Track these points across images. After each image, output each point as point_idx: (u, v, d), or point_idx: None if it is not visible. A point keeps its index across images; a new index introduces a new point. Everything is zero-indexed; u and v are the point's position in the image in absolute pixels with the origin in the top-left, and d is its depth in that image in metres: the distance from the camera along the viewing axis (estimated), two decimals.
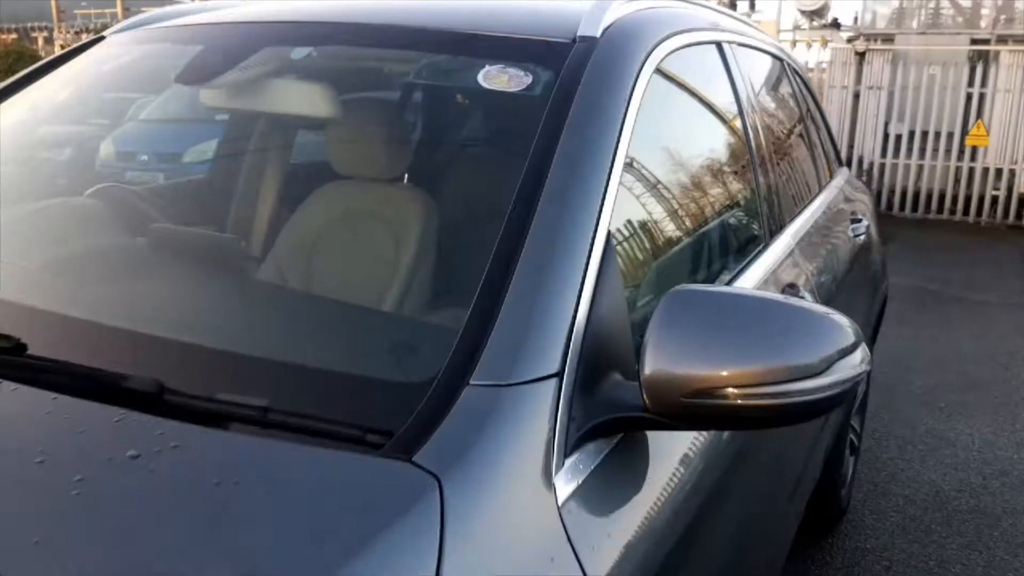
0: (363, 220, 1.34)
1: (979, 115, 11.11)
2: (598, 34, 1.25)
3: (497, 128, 1.34)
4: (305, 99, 1.40)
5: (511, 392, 0.83)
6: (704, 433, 1.10)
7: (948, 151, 10.91)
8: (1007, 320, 5.49)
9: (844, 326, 0.95)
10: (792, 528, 1.93)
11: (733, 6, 21.39)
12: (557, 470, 0.81)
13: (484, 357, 0.84)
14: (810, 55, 14.91)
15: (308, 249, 1.28)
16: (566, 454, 0.84)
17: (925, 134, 11.07)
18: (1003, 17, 12.05)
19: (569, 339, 0.89)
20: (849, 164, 11.16)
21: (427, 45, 1.40)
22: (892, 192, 10.97)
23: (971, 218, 10.28)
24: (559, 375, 0.86)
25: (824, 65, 12.94)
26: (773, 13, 19.94)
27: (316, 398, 0.88)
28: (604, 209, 1.03)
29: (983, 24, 12.20)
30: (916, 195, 10.84)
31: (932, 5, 12.64)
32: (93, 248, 1.37)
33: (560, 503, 0.80)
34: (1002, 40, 12.05)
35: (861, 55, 12.14)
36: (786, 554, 1.97)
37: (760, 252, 1.63)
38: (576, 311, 0.91)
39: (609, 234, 1.03)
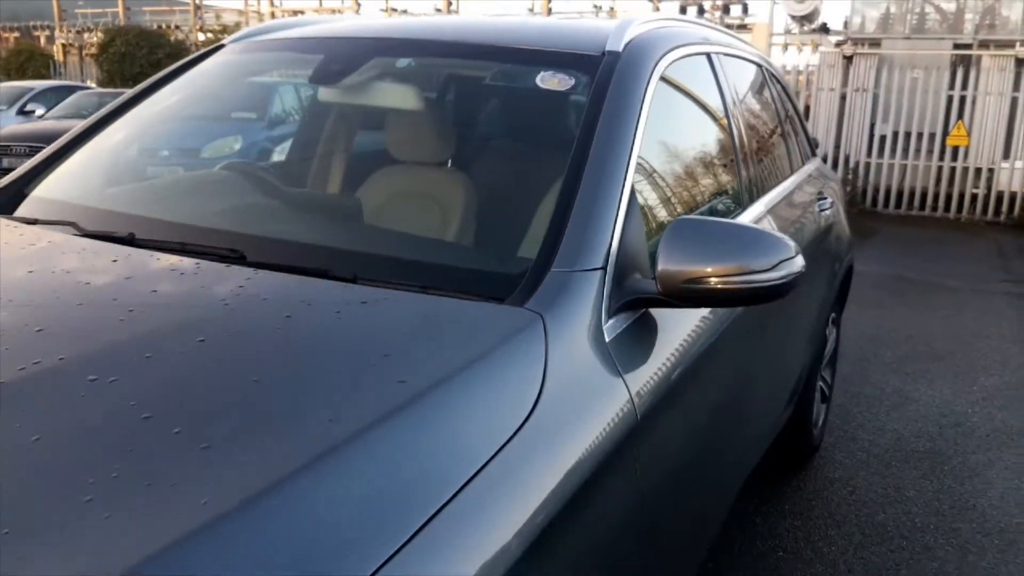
0: (460, 173, 1.83)
1: (960, 117, 11.62)
2: (620, 49, 1.74)
3: (553, 115, 1.82)
4: (406, 98, 1.89)
5: (575, 275, 1.32)
6: (687, 322, 1.58)
7: (931, 151, 11.39)
8: (977, 305, 5.99)
9: (789, 244, 1.43)
10: (759, 430, 2.36)
11: (727, 10, 21.96)
12: (605, 323, 1.30)
13: (559, 255, 1.33)
14: (800, 58, 15.41)
15: (416, 200, 1.76)
16: (608, 317, 1.32)
17: (909, 135, 11.56)
18: (986, 23, 12.59)
19: (609, 249, 1.37)
20: (836, 163, 11.64)
21: (496, 56, 1.89)
22: (877, 190, 11.46)
23: (951, 214, 10.77)
24: (603, 269, 1.34)
25: (812, 68, 13.45)
26: (766, 16, 20.49)
27: (452, 283, 1.36)
28: (629, 171, 1.50)
29: (966, 30, 12.72)
30: (900, 193, 11.33)
31: (918, 11, 13.16)
32: (238, 202, 1.84)
33: (607, 340, 1.28)
34: (984, 45, 12.58)
35: (848, 59, 12.62)
36: (763, 446, 2.45)
37: (738, 215, 2.11)
38: (613, 232, 1.39)
39: (633, 188, 1.51)
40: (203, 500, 0.82)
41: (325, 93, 2.08)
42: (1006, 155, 11.21)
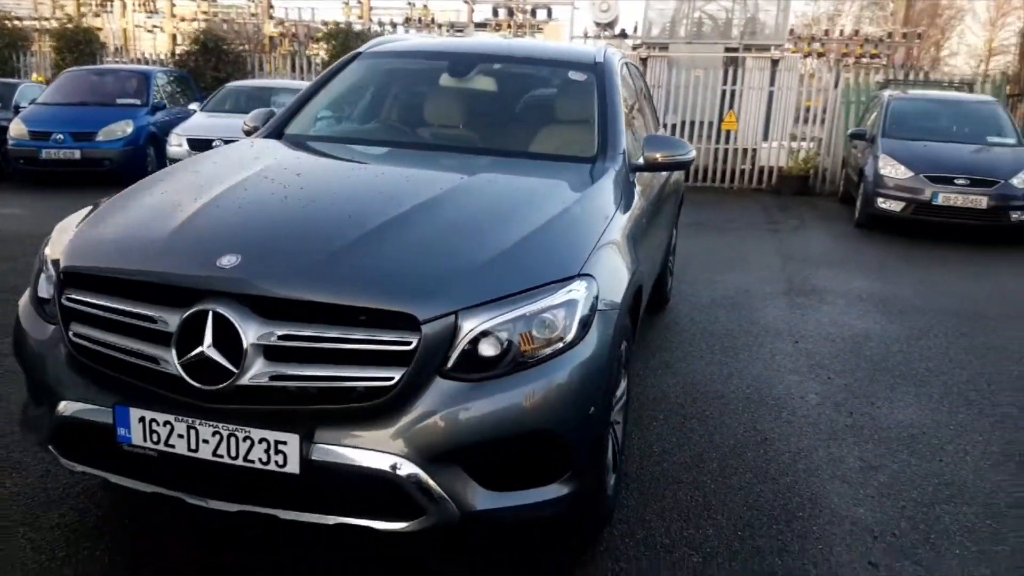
0: (540, 119, 3.51)
1: (731, 107, 14.53)
2: (603, 60, 3.54)
3: (580, 90, 3.52)
4: (490, 84, 3.61)
5: (614, 156, 3.05)
6: (648, 191, 3.43)
7: (709, 136, 14.13)
8: (751, 237, 8.42)
9: (689, 146, 3.28)
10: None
11: (533, 13, 24.47)
12: (630, 173, 3.09)
13: (608, 149, 3.06)
14: None
15: (506, 136, 3.44)
16: (629, 172, 3.10)
17: (692, 123, 14.26)
18: (748, 30, 15.70)
19: (625, 149, 3.13)
20: None
21: (545, 63, 3.66)
22: None
23: (727, 185, 13.53)
24: (624, 154, 3.08)
25: None
26: (567, 20, 23.18)
27: (576, 160, 3.07)
28: (623, 116, 3.31)
29: (734, 35, 15.76)
30: (689, 169, 14.06)
31: (696, 20, 16.06)
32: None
33: (631, 179, 3.08)
34: (748, 48, 15.68)
35: (644, 60, 15.21)
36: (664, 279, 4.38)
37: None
38: (624, 142, 3.18)
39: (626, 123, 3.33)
40: (490, 241, 2.38)
41: (443, 79, 3.70)
42: (765, 137, 14.20)
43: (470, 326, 1.97)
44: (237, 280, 1.99)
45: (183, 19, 23.16)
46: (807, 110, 15.27)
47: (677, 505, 2.77)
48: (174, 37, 23.12)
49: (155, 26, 24.64)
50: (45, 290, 2.31)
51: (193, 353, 1.94)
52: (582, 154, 3.14)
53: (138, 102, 10.58)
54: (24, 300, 2.41)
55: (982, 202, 8.44)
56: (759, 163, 13.93)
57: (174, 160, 9.81)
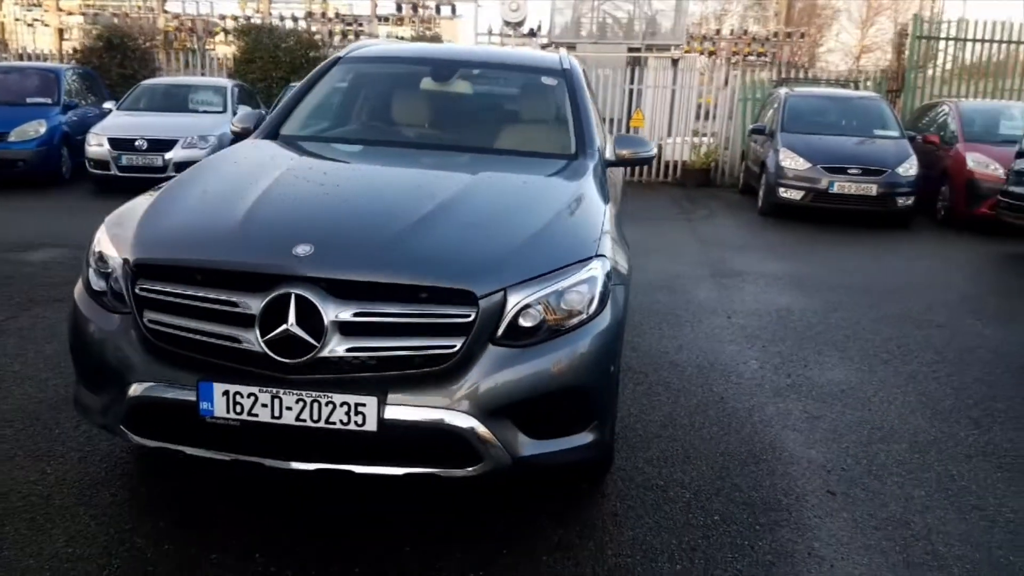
0: (502, 119, 3.88)
1: (638, 105, 15.23)
2: (569, 66, 3.92)
3: (552, 97, 3.89)
4: (469, 88, 3.93)
5: (592, 152, 3.43)
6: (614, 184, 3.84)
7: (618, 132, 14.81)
8: (668, 226, 9.04)
9: (652, 145, 3.71)
10: None
11: (438, 10, 24.66)
12: (600, 169, 3.48)
13: (585, 147, 3.44)
14: None
15: (488, 134, 3.76)
16: (602, 168, 3.49)
17: (602, 120, 14.89)
18: (649, 31, 16.48)
19: (599, 146, 3.53)
20: None
21: (520, 69, 3.99)
22: None
23: (636, 178, 14.25)
24: (600, 150, 3.50)
25: None
26: (471, 17, 23.51)
27: (555, 157, 3.45)
28: (596, 114, 3.72)
29: (636, 36, 16.52)
30: None
31: (600, 20, 16.74)
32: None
33: (602, 172, 3.47)
34: (649, 49, 16.46)
35: None
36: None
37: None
38: (599, 139, 3.58)
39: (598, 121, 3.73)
40: (519, 229, 2.73)
41: (434, 84, 3.99)
42: (669, 132, 14.97)
43: (515, 300, 2.31)
44: (316, 266, 2.26)
45: (69, 12, 22.23)
46: (702, 107, 16.09)
47: (662, 455, 3.19)
48: (60, 32, 22.25)
49: (36, 20, 23.51)
50: (96, 283, 2.51)
51: (278, 331, 2.21)
52: (563, 151, 3.52)
53: (49, 101, 10.26)
54: (80, 293, 2.59)
55: (872, 189, 9.35)
56: (664, 158, 14.66)
57: (94, 160, 9.62)
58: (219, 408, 2.25)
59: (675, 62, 15.79)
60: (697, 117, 15.67)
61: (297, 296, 2.21)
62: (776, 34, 23.16)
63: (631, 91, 15.48)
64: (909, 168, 9.49)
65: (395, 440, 2.26)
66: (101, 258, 2.53)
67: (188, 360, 2.31)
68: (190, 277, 2.33)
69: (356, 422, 2.21)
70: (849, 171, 9.42)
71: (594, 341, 2.42)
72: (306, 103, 3.83)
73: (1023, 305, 6.05)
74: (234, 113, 10.62)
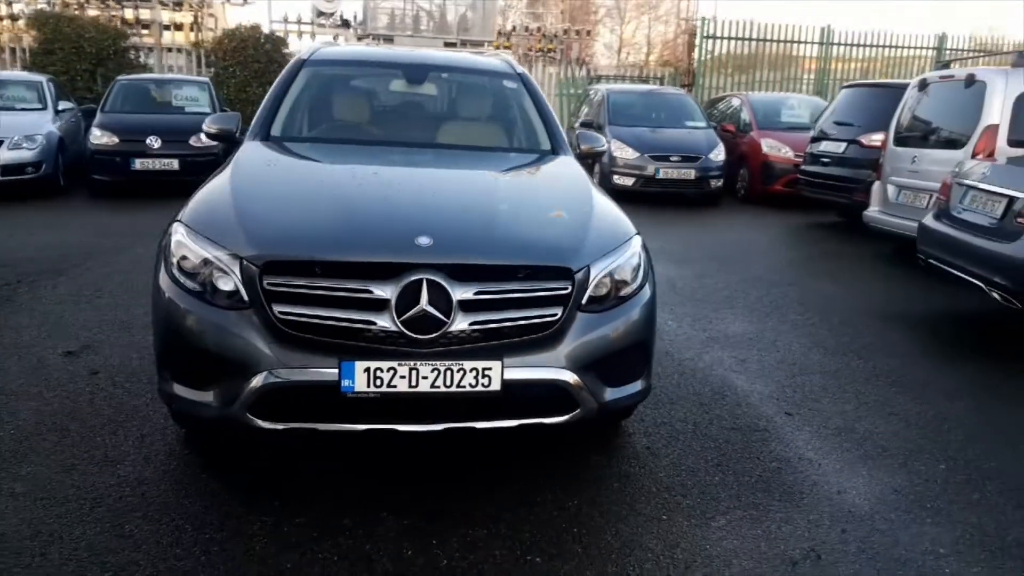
0: (478, 119, 4.25)
1: None
2: (521, 71, 4.38)
3: (516, 98, 4.32)
4: (443, 90, 4.25)
5: (568, 155, 3.90)
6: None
7: None
8: None
9: (603, 139, 4.30)
10: None
11: None
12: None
13: (561, 148, 3.93)
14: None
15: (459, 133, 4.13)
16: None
17: None
18: (462, 27, 17.11)
19: (569, 141, 4.06)
20: None
21: (479, 73, 4.36)
22: None
23: None
24: (574, 145, 4.04)
25: None
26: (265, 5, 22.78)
27: (534, 156, 3.93)
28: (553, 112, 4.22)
29: (450, 30, 17.08)
30: None
31: (413, 13, 17.09)
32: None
33: None
34: (463, 44, 17.08)
35: None
36: None
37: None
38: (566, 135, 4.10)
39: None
40: (578, 213, 3.21)
41: (394, 84, 4.23)
42: None
43: (595, 273, 2.80)
44: (439, 254, 2.60)
45: None
46: None
47: (655, 400, 3.81)
48: None
49: None
50: (190, 284, 2.67)
51: (414, 311, 2.54)
52: (540, 148, 4.02)
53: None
54: (173, 295, 2.69)
55: (691, 174, 10.65)
56: None
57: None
58: (360, 384, 2.54)
59: None
60: None
61: (428, 281, 2.55)
62: (566, 31, 24.73)
63: None
64: (718, 154, 10.90)
65: (513, 397, 2.67)
66: (199, 260, 2.67)
67: (323, 345, 2.56)
68: (316, 270, 2.57)
69: (483, 384, 2.60)
70: (671, 159, 10.65)
71: (646, 305, 2.97)
72: (286, 106, 3.99)
73: (840, 264, 7.39)
74: (56, 110, 9.84)
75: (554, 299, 2.71)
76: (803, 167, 9.68)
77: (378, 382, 2.54)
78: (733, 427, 3.57)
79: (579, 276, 2.75)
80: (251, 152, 3.58)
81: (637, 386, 3.00)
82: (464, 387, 2.59)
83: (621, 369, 2.92)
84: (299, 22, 18.38)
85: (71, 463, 2.96)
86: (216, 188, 3.11)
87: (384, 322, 2.55)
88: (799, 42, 15.24)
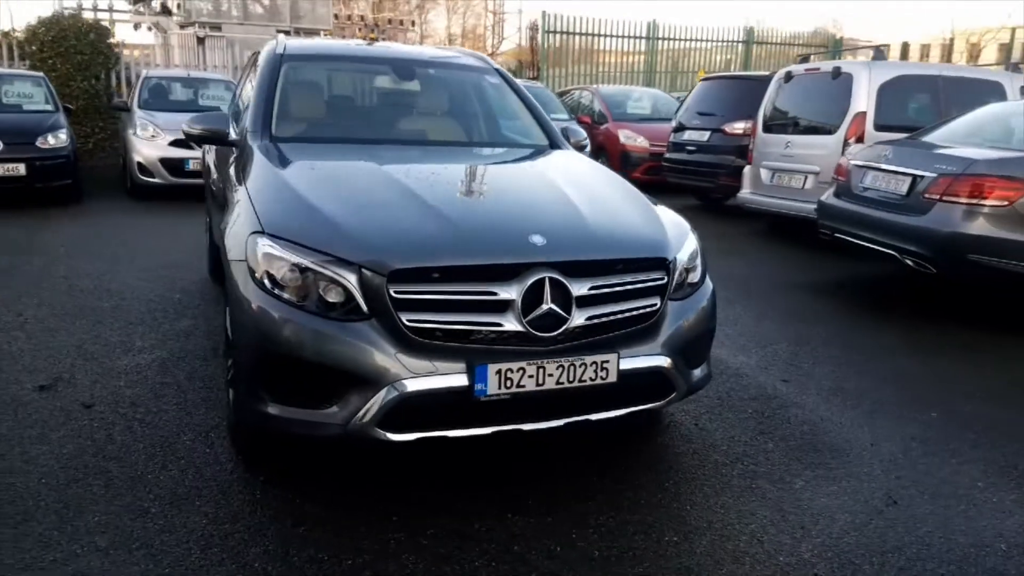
0: (451, 114, 4.19)
1: None
2: (498, 67, 4.40)
3: (502, 94, 4.30)
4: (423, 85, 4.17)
5: (568, 147, 4.03)
6: None
7: None
8: None
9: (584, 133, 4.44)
10: None
11: None
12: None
13: (558, 143, 4.01)
14: (139, 36, 16.74)
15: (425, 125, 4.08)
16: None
17: None
18: (297, 14, 16.41)
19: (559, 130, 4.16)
20: None
21: (458, 68, 4.30)
22: None
23: None
24: (563, 142, 4.14)
25: (153, 45, 15.21)
26: None
27: (535, 148, 4.00)
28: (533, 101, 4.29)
29: (283, 18, 16.32)
30: None
31: (242, 1, 16.15)
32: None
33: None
34: (298, 32, 16.40)
35: (202, 40, 14.88)
36: None
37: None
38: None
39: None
40: (642, 207, 3.33)
41: (378, 80, 4.07)
42: None
43: (679, 264, 2.96)
44: (553, 252, 2.64)
45: None
46: None
47: None
48: None
49: None
50: (300, 298, 2.53)
51: (540, 311, 2.56)
52: (539, 142, 4.09)
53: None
54: (283, 317, 2.53)
55: None
56: None
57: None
58: (492, 386, 2.53)
59: None
60: None
61: (550, 279, 2.59)
62: (390, 20, 24.47)
63: None
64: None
65: (626, 386, 2.77)
66: (298, 271, 2.53)
67: (450, 350, 2.52)
68: (435, 276, 2.52)
69: (601, 376, 2.68)
70: None
71: (712, 292, 3.17)
72: (280, 103, 3.76)
73: (730, 243, 8.03)
74: None
75: (653, 289, 2.84)
76: (667, 155, 10.34)
77: (508, 383, 2.55)
78: (751, 397, 3.87)
79: (672, 266, 2.89)
80: (281, 154, 3.36)
81: (706, 369, 3.19)
82: (585, 381, 2.65)
83: (697, 353, 3.10)
84: (111, 9, 16.81)
85: (141, 506, 2.68)
86: (278, 194, 2.92)
87: (510, 323, 2.55)
88: (629, 37, 16.15)
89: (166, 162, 8.99)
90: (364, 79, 4.21)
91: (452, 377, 2.50)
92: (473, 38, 42.52)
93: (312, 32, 16.41)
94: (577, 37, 15.31)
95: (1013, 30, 20.92)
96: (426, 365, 2.50)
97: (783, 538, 2.67)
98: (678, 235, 3.07)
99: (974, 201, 4.90)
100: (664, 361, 2.84)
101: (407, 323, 2.48)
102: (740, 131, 9.12)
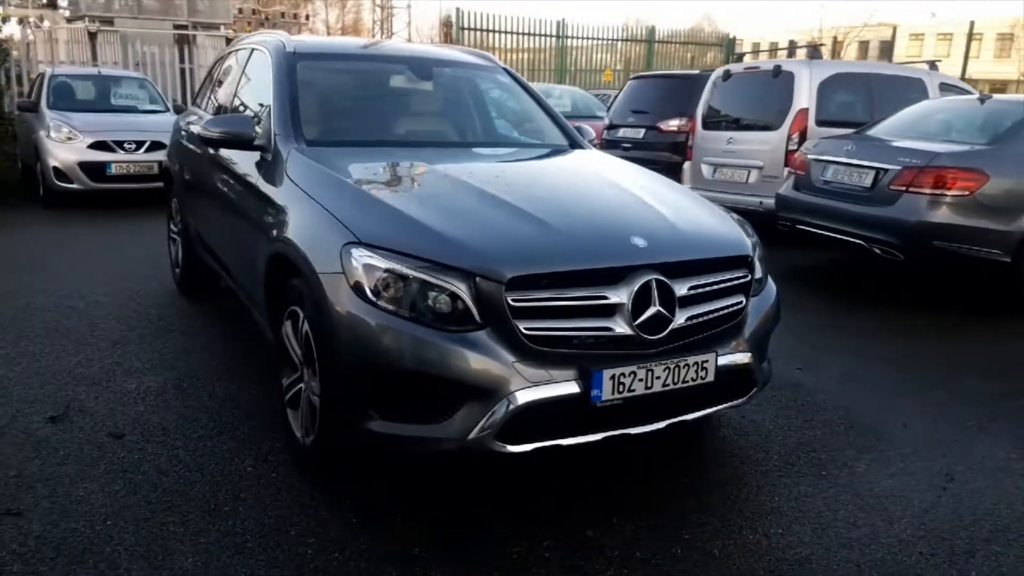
0: (474, 114, 4.09)
1: (192, 85, 14.51)
2: (504, 66, 4.34)
3: (514, 94, 4.22)
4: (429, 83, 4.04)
5: (591, 147, 4.06)
6: None
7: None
8: None
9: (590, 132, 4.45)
10: None
11: None
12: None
13: (579, 142, 4.02)
14: (26, 31, 15.51)
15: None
16: None
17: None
18: (196, 8, 15.59)
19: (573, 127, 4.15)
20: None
21: (462, 67, 4.21)
22: None
23: None
24: (584, 141, 4.12)
25: (31, 41, 14.15)
26: None
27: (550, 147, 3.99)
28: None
29: (179, 12, 15.47)
30: None
31: None
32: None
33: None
34: (196, 27, 15.62)
35: (94, 36, 13.97)
36: None
37: None
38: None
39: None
40: (704, 203, 3.43)
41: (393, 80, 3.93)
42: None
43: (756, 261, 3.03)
44: (656, 254, 2.63)
45: None
46: None
47: None
48: None
49: None
50: (406, 308, 2.44)
51: (649, 313, 2.56)
52: (559, 141, 4.07)
53: None
54: (393, 330, 2.41)
55: None
56: None
57: None
58: (606, 392, 2.51)
59: (229, 41, 15.38)
60: None
61: (657, 281, 2.59)
62: (283, 15, 23.68)
63: (183, 71, 14.70)
64: None
65: (721, 384, 2.80)
66: (402, 281, 2.43)
67: (564, 357, 2.48)
68: (544, 282, 2.47)
69: (701, 376, 2.71)
70: None
71: (776, 289, 3.25)
72: (303, 105, 3.57)
73: None
74: None
75: (739, 287, 2.88)
76: None
77: (621, 388, 2.54)
78: (777, 386, 3.99)
79: (752, 263, 2.94)
80: (331, 160, 3.18)
81: (769, 363, 3.27)
82: (687, 381, 2.67)
83: (766, 348, 3.17)
84: (3, 3, 15.40)
85: (235, 542, 2.49)
86: (358, 202, 2.78)
87: (619, 327, 2.54)
88: (541, 35, 16.30)
89: (86, 166, 8.33)
90: (381, 78, 4.05)
91: (567, 384, 2.46)
92: (355, 32, 41.71)
93: (211, 26, 15.67)
94: (490, 34, 15.30)
95: (895, 27, 22.38)
96: (541, 373, 2.45)
97: (875, 520, 2.78)
98: (750, 234, 3.13)
99: (938, 191, 5.24)
100: (748, 357, 2.89)
101: (524, 331, 2.42)
102: (675, 128, 9.37)
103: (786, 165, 7.46)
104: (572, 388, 2.46)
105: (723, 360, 2.76)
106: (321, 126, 3.60)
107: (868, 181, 5.69)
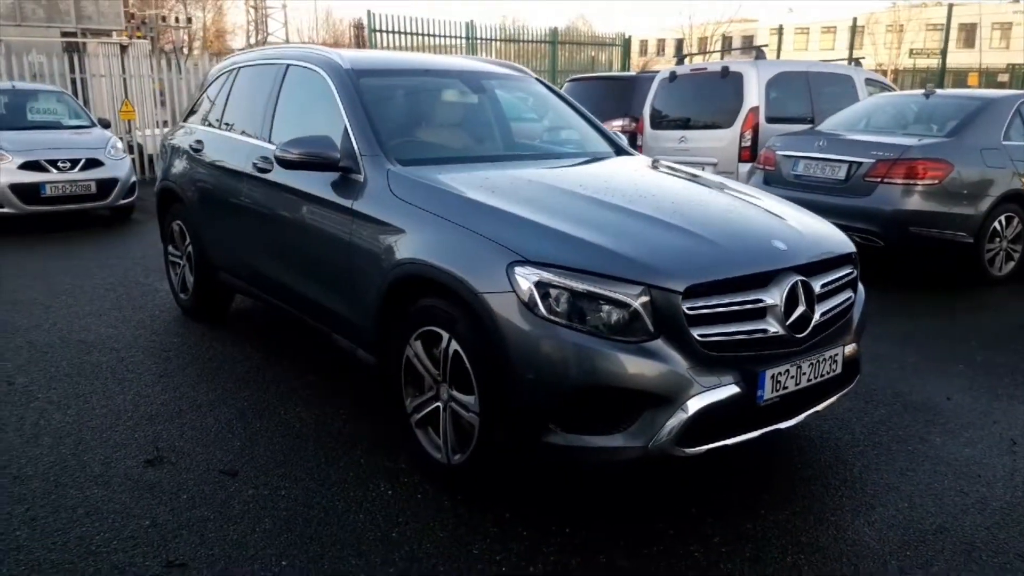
0: (533, 124, 4.11)
1: (84, 97, 13.70)
2: (536, 76, 4.41)
3: (553, 104, 4.30)
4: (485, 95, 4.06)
5: (635, 153, 4.21)
6: None
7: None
8: None
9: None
10: None
11: None
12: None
13: (624, 149, 4.14)
14: None
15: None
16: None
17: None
18: (85, 15, 14.56)
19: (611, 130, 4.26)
20: None
21: (508, 79, 4.23)
22: None
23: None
24: (629, 147, 4.25)
25: None
26: None
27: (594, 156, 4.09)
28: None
29: (67, 19, 14.42)
30: None
31: (12, 2, 14.02)
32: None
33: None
34: (85, 34, 14.64)
35: None
36: None
37: None
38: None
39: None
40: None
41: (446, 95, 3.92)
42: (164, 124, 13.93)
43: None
44: (797, 256, 2.80)
45: None
46: (162, 93, 15.18)
47: None
48: None
49: None
50: (595, 322, 2.51)
51: (799, 312, 2.73)
52: (607, 148, 4.18)
53: None
54: (573, 344, 2.46)
55: None
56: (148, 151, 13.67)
57: None
58: (768, 391, 2.67)
59: (124, 48, 14.54)
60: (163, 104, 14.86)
61: (802, 282, 2.76)
62: (163, 18, 22.59)
63: (74, 80, 13.84)
64: None
65: (844, 375, 3.00)
66: (574, 296, 2.50)
67: (727, 360, 2.61)
68: (708, 290, 2.59)
69: (833, 369, 2.91)
70: None
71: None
72: (380, 123, 3.51)
73: None
74: None
75: (849, 283, 3.10)
76: None
77: (778, 386, 2.70)
78: None
79: (856, 259, 3.17)
80: (444, 180, 3.15)
81: None
82: (824, 375, 2.86)
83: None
84: None
85: (422, 569, 2.47)
86: (501, 221, 2.79)
87: (773, 327, 2.69)
88: (452, 36, 16.29)
89: (17, 188, 7.71)
90: (439, 93, 4.02)
91: (734, 386, 2.59)
92: (220, 35, 40.15)
93: (102, 33, 14.76)
94: (403, 36, 15.16)
95: (762, 24, 23.70)
96: (712, 378, 2.57)
97: (978, 488, 3.06)
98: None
99: (910, 181, 5.72)
100: (855, 348, 3.10)
101: (698, 338, 2.53)
102: (619, 127, 9.64)
103: (740, 160, 7.88)
104: (739, 389, 2.59)
105: (848, 353, 2.97)
106: (407, 144, 3.56)
107: (842, 174, 6.11)
